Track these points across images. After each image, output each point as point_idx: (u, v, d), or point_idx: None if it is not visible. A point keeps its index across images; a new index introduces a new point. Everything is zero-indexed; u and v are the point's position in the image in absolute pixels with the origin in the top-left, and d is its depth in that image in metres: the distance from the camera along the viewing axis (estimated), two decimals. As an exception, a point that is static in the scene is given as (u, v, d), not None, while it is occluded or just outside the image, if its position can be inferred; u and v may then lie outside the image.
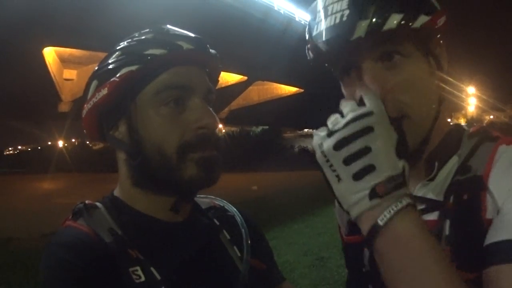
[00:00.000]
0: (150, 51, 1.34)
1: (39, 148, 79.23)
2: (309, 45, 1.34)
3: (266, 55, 32.36)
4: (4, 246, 11.99)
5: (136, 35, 1.43)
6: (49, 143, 75.43)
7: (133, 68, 1.33)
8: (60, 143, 63.82)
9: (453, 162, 1.32)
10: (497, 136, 1.33)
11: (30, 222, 14.56)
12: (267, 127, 58.52)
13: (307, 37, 1.34)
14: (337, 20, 1.20)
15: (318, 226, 12.59)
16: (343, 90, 1.37)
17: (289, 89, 53.64)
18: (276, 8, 36.24)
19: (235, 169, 33.38)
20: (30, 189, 30.39)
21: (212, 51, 1.46)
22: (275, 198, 18.97)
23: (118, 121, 1.41)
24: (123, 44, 1.42)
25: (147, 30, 1.44)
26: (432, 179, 1.32)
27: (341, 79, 1.36)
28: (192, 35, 1.44)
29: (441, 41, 1.34)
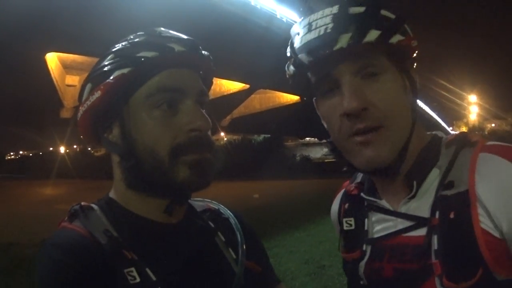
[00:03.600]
0: (142, 54, 1.36)
1: (41, 153, 79.24)
2: (290, 60, 1.41)
3: (268, 63, 32.16)
4: (4, 251, 11.98)
5: (129, 37, 1.44)
6: (51, 149, 75.43)
7: (125, 70, 1.35)
8: (62, 149, 63.82)
9: (434, 176, 1.37)
10: (476, 141, 1.37)
11: (31, 227, 14.56)
12: (269, 135, 58.53)
13: (288, 53, 1.42)
14: (321, 32, 1.30)
15: (320, 234, 12.58)
16: (320, 109, 1.45)
17: (291, 98, 53.47)
18: (278, 16, 36.19)
19: (236, 177, 33.40)
20: (31, 195, 30.40)
21: (204, 53, 1.47)
22: (277, 206, 19.00)
23: (112, 124, 1.42)
24: (117, 46, 1.43)
25: (140, 32, 1.45)
26: (413, 196, 1.37)
27: (320, 96, 1.42)
28: (185, 37, 1.45)
29: (415, 65, 1.44)
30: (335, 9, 1.32)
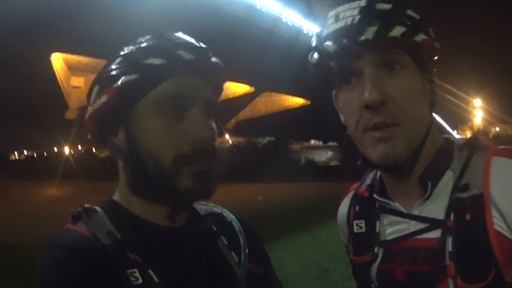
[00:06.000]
0: (150, 61, 1.35)
1: (45, 154, 79.19)
2: (315, 49, 1.42)
3: (273, 67, 32.31)
4: (8, 251, 12.00)
5: (138, 40, 1.44)
6: (55, 149, 75.34)
7: (132, 77, 1.35)
8: (67, 150, 63.76)
9: (448, 178, 1.39)
10: (488, 145, 1.41)
11: (34, 228, 14.56)
12: (274, 138, 58.46)
13: (314, 43, 1.43)
14: (348, 23, 1.32)
15: (323, 237, 12.56)
16: (338, 102, 1.48)
17: (296, 101, 53.54)
18: (284, 20, 36.24)
19: (241, 180, 33.36)
20: (35, 195, 30.36)
21: (214, 60, 1.47)
22: (281, 209, 18.98)
23: (118, 128, 1.42)
24: (125, 50, 1.43)
25: (149, 36, 1.44)
26: (427, 198, 1.39)
27: (339, 88, 1.43)
28: (195, 43, 1.44)
29: (435, 70, 1.45)
30: (362, 2, 1.34)
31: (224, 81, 1.56)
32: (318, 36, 1.41)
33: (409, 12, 1.35)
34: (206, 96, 1.43)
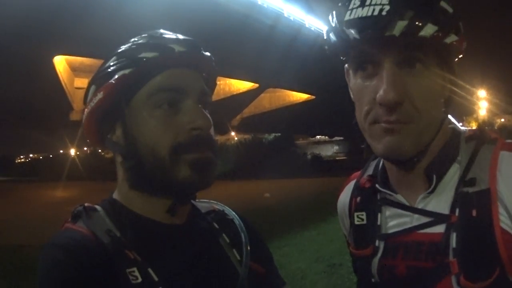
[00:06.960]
0: (143, 55, 1.37)
1: (51, 156, 79.35)
2: (334, 30, 1.32)
3: (277, 62, 32.32)
4: (15, 253, 12.03)
5: (133, 39, 1.46)
6: (61, 151, 75.43)
7: (127, 71, 1.36)
8: (72, 152, 63.81)
9: (454, 171, 1.34)
10: (495, 138, 1.36)
11: (41, 229, 14.53)
12: (279, 134, 58.48)
13: (333, 21, 1.32)
14: (375, 13, 1.18)
15: (330, 233, 12.53)
16: (350, 81, 1.40)
17: (301, 96, 53.53)
18: (286, 15, 36.19)
19: (248, 177, 33.36)
20: (42, 197, 30.42)
21: (206, 53, 1.48)
22: (288, 205, 18.93)
23: (115, 125, 1.44)
24: (120, 48, 1.45)
25: (143, 34, 1.46)
26: (432, 191, 1.34)
27: (354, 69, 1.35)
28: (186, 37, 1.46)
29: (458, 64, 1.37)
30: None
31: (217, 74, 1.57)
32: (339, 16, 1.28)
33: (443, 4, 1.24)
34: (200, 88, 1.44)
